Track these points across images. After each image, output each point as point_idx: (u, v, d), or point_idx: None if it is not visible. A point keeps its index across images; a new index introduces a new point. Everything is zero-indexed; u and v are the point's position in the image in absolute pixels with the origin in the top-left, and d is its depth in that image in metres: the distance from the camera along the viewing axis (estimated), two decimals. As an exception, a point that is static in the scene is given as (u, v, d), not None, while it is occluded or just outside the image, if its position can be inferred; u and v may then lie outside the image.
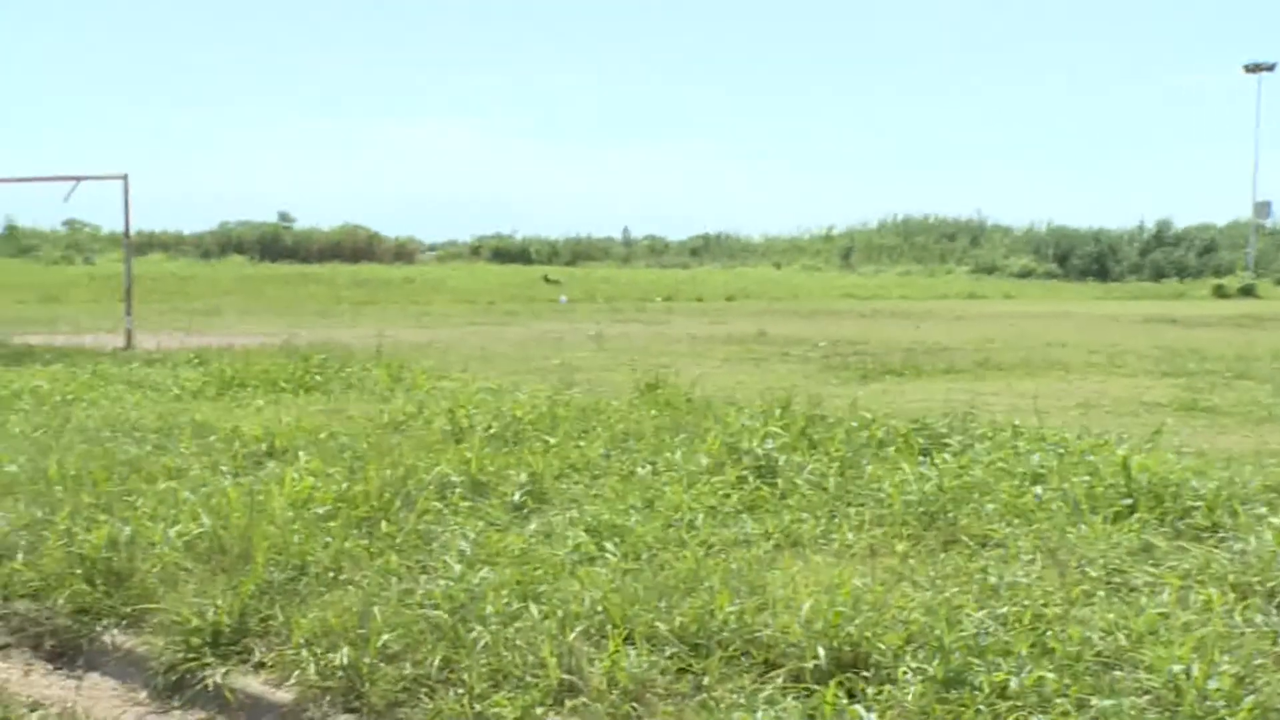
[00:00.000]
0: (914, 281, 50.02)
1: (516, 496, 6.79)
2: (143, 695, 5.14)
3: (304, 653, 4.86)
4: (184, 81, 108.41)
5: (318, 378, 12.64)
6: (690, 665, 4.50)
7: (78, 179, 20.21)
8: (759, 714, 4.13)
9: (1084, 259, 55.09)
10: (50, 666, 5.54)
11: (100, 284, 34.44)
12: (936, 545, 5.91)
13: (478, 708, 4.33)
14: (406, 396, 11.10)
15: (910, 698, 4.14)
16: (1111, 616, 4.73)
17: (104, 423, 9.53)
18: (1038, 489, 6.76)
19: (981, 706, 4.06)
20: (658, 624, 4.76)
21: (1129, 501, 6.44)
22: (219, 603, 5.28)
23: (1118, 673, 4.27)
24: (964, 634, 4.53)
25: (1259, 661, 4.29)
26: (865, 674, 4.37)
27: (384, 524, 6.20)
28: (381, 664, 4.67)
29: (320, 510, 6.43)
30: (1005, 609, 4.84)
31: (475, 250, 63.05)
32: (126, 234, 20.09)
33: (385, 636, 4.78)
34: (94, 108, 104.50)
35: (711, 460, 7.57)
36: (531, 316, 28.55)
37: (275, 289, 37.36)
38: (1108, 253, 55.44)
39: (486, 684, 4.45)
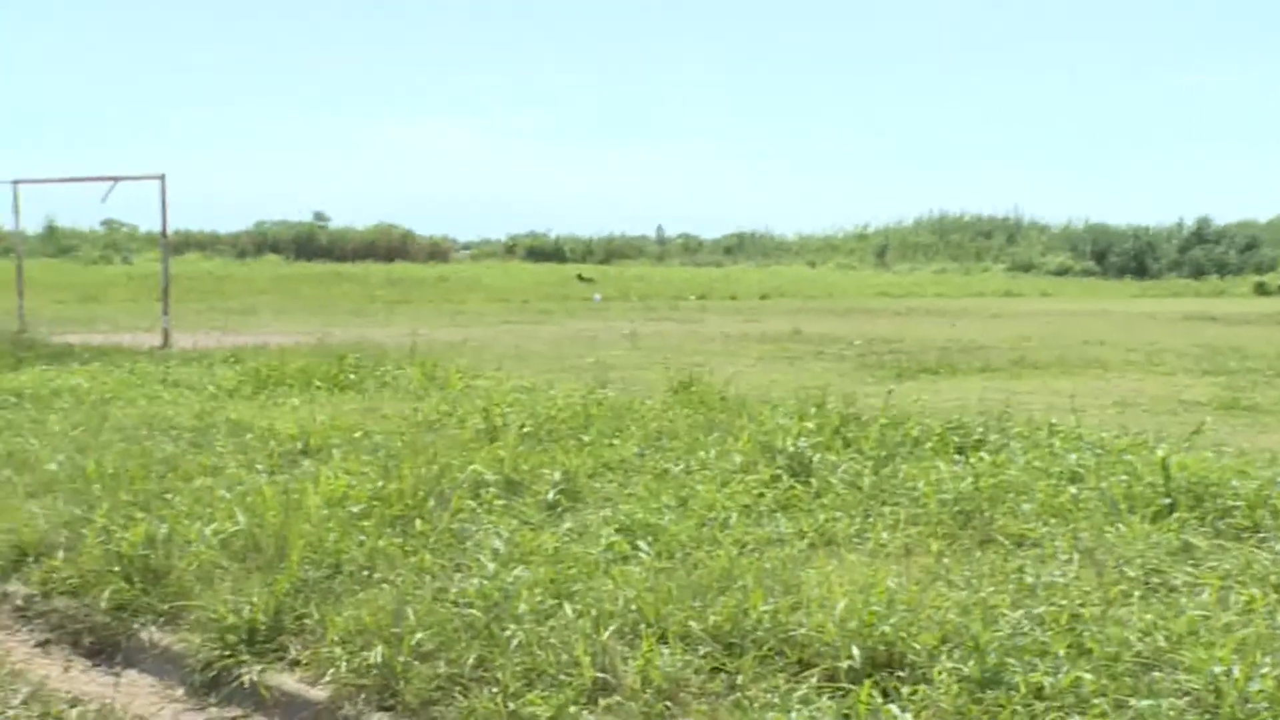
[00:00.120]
0: (949, 279, 49.75)
1: (550, 495, 6.80)
2: (179, 692, 5.17)
3: (338, 651, 4.88)
4: (221, 82, 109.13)
5: (352, 376, 12.70)
6: (724, 664, 4.49)
7: (115, 179, 20.39)
8: (793, 714, 4.11)
9: (1122, 256, 54.61)
10: (89, 663, 5.59)
11: (138, 283, 34.77)
12: (972, 545, 5.88)
13: (512, 706, 4.33)
14: (440, 395, 11.14)
15: (945, 698, 4.11)
16: (1150, 617, 4.69)
17: (141, 421, 9.61)
18: (1075, 488, 6.71)
19: (1018, 707, 4.03)
20: (691, 623, 4.75)
21: (1168, 501, 6.38)
22: (254, 600, 5.30)
23: (1157, 674, 4.23)
24: (1000, 634, 4.50)
25: (1301, 663, 4.24)
26: (900, 674, 4.35)
27: (418, 522, 6.22)
28: (416, 662, 4.68)
29: (355, 509, 6.45)
30: (1042, 609, 4.80)
31: (509, 249, 63.19)
32: (164, 234, 20.23)
33: (419, 635, 4.79)
34: (131, 107, 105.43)
35: (745, 459, 7.55)
36: (565, 315, 28.57)
37: (310, 288, 37.54)
38: (1146, 250, 54.91)
39: (520, 682, 4.45)
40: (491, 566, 5.46)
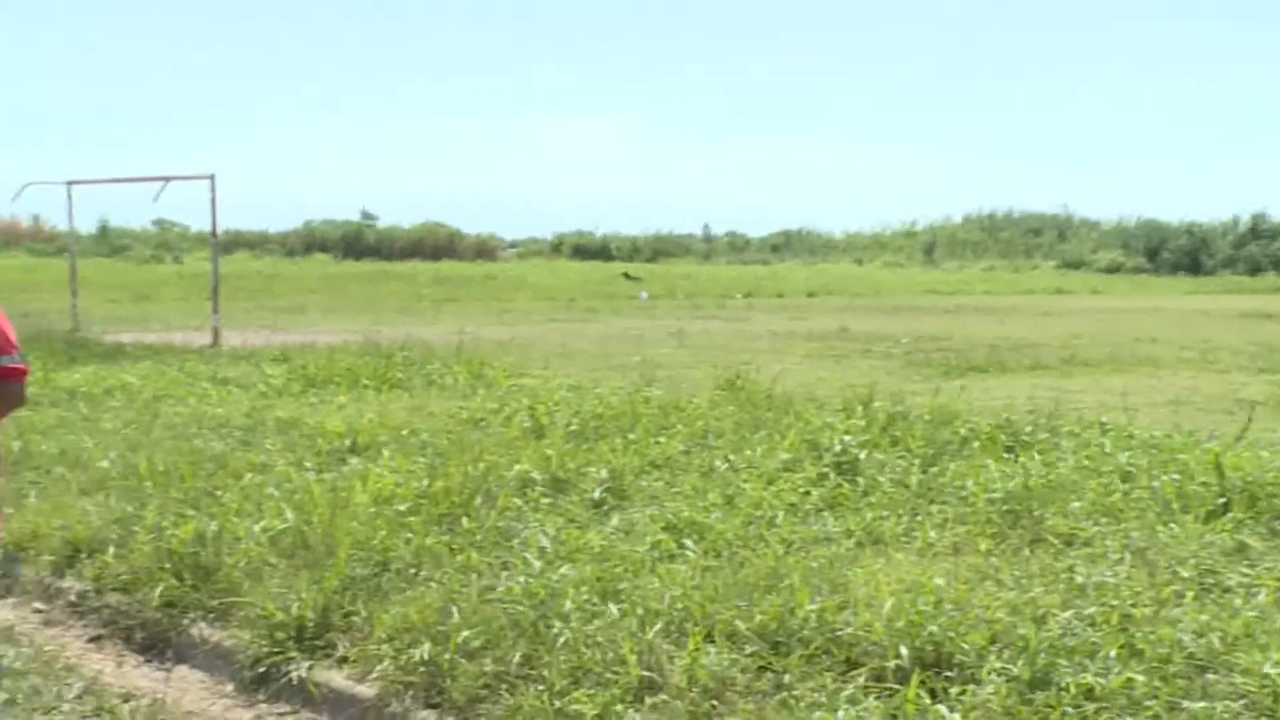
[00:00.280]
0: (998, 277, 49.28)
1: (596, 493, 6.80)
2: (229, 688, 5.22)
3: (386, 648, 4.90)
4: (271, 82, 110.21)
5: (399, 375, 12.75)
6: (771, 663, 4.47)
7: (166, 179, 20.58)
8: (840, 713, 4.09)
9: (1175, 253, 53.87)
10: (141, 658, 5.65)
11: (189, 282, 35.07)
12: (1021, 544, 5.82)
13: (558, 704, 4.33)
14: (487, 393, 11.17)
15: (994, 698, 4.07)
16: (1204, 618, 4.62)
17: (191, 419, 9.72)
18: (1126, 487, 6.63)
19: (1068, 708, 3.99)
20: (738, 622, 4.73)
21: (1222, 501, 6.29)
22: (303, 597, 5.34)
23: (1211, 676, 4.16)
24: (1049, 634, 4.45)
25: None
26: (948, 674, 4.31)
27: (465, 520, 6.24)
28: (462, 660, 4.69)
29: (402, 507, 6.47)
30: (1092, 609, 4.75)
31: (556, 247, 63.36)
32: (214, 233, 20.39)
33: (466, 633, 4.80)
34: (184, 109, 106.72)
35: (792, 457, 7.52)
36: (612, 313, 28.55)
37: (358, 287, 37.74)
38: (1200, 246, 54.13)
39: (567, 680, 4.45)
40: (538, 565, 5.46)
